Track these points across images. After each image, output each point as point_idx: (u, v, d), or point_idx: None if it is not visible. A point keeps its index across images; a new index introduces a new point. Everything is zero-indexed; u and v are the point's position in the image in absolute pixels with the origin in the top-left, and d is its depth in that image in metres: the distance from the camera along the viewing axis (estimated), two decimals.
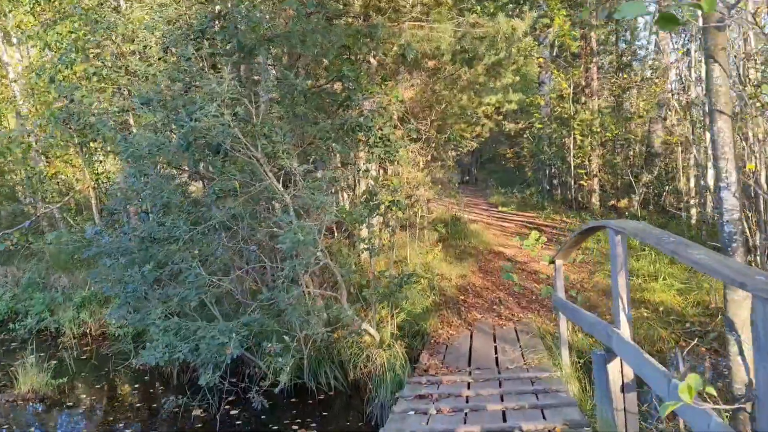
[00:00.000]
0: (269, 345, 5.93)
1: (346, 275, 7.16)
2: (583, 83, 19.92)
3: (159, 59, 6.72)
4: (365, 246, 7.76)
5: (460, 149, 16.80)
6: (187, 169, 6.84)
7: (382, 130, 7.05)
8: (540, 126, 20.87)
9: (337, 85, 8.54)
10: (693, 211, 16.93)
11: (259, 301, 6.19)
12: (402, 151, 7.81)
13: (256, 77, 7.52)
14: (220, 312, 6.72)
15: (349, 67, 6.86)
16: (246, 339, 6.39)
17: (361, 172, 7.57)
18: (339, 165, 9.60)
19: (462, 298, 10.26)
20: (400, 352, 6.96)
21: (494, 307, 9.74)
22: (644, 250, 12.88)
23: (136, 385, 8.37)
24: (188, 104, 6.05)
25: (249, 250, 6.64)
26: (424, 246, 13.09)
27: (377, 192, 7.45)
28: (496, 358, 7.07)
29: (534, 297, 10.28)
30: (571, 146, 19.30)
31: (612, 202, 19.49)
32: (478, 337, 8.10)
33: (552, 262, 6.94)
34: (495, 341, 7.88)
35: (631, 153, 20.18)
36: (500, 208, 21.56)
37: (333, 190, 6.56)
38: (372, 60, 9.02)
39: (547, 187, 24.60)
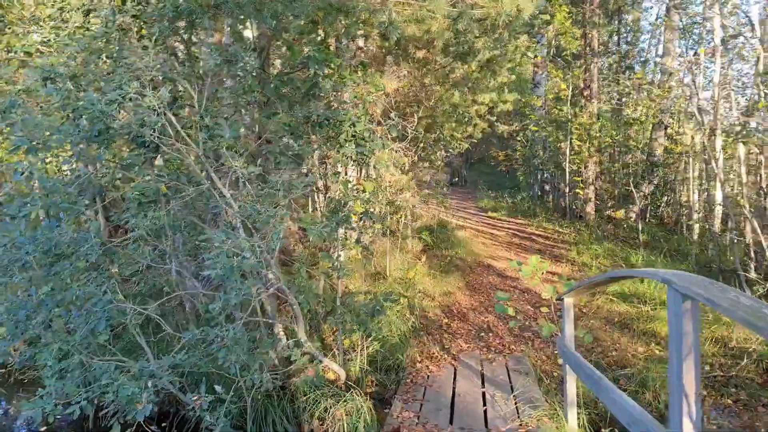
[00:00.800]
0: (195, 397, 4.55)
1: (304, 302, 5.78)
2: (582, 85, 18.60)
3: (79, 27, 5.33)
4: (329, 267, 6.40)
5: (450, 150, 15.46)
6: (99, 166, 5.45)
7: (354, 126, 5.68)
8: (535, 129, 19.55)
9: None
10: (696, 225, 15.70)
11: (187, 340, 4.79)
12: (382, 152, 6.44)
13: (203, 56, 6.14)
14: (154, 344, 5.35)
15: (316, 47, 5.48)
16: (179, 377, 5.03)
17: (329, 176, 6.16)
18: (312, 167, 8.20)
19: (446, 321, 8.91)
20: (365, 407, 5.58)
21: (482, 334, 8.39)
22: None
23: None
24: (107, 82, 4.65)
25: (183, 271, 5.25)
26: (407, 256, 11.74)
27: (347, 200, 6.07)
28: (485, 411, 5.70)
29: (527, 323, 8.97)
30: (568, 151, 18.00)
31: (608, 212, 18.22)
32: (462, 377, 6.74)
33: (560, 299, 5.59)
34: (483, 383, 6.52)
35: (630, 160, 18.91)
36: (490, 214, 20.25)
37: (289, 201, 5.17)
38: (350, 43, 7.69)
39: (539, 193, 23.32)
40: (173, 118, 4.96)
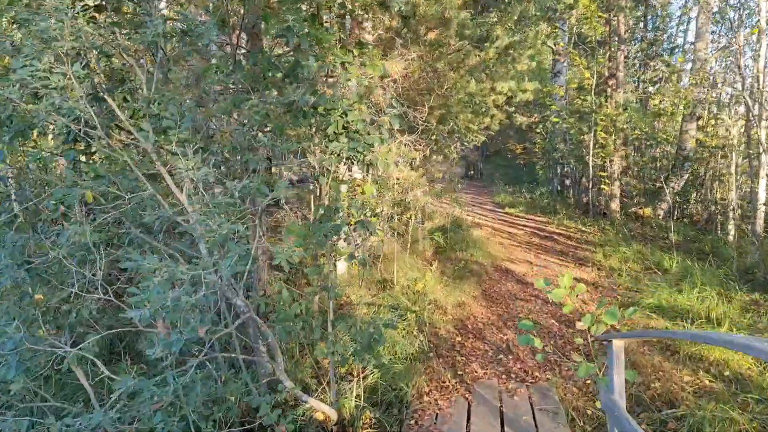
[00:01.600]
0: None
1: (283, 333, 4.66)
2: (607, 74, 17.27)
3: None
4: (317, 288, 5.27)
5: (466, 143, 14.24)
6: None
7: (346, 115, 4.53)
8: (556, 120, 18.25)
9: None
10: (732, 226, 14.40)
11: (122, 391, 3.68)
12: (384, 148, 5.28)
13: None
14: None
15: (297, 17, 4.31)
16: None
17: (318, 177, 5.01)
18: (304, 166, 7.06)
19: (459, 340, 7.75)
20: None
21: (500, 356, 7.22)
22: (686, 275, 10.35)
23: None
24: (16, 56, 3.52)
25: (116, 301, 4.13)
26: (417, 260, 10.58)
27: (340, 206, 4.92)
28: None
29: (552, 341, 7.79)
30: (591, 144, 16.70)
31: (634, 209, 16.93)
32: (478, 417, 5.59)
33: (606, 340, 4.42)
34: (503, 426, 5.37)
35: (659, 154, 17.58)
36: (507, 210, 19.02)
37: (260, 211, 4.05)
38: (350, 21, 6.53)
39: (558, 188, 22.04)
40: (113, 104, 3.83)
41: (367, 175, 9.63)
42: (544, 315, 8.76)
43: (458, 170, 30.77)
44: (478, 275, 10.74)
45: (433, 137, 10.68)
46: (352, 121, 4.60)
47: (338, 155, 4.59)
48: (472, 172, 28.67)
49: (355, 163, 4.96)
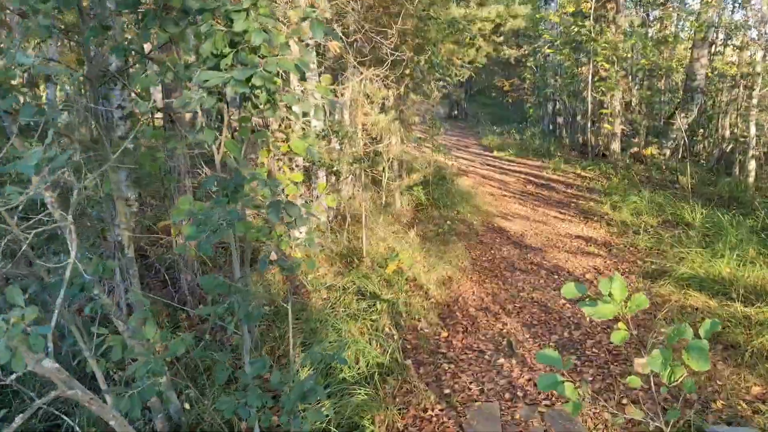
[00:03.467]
0: None
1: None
2: None
3: None
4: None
5: (448, 78, 12.03)
6: None
7: (232, 22, 2.48)
8: (550, 51, 16.03)
9: None
10: (751, 165, 12.49)
11: None
12: (322, 81, 3.22)
13: None
14: None
15: None
16: None
17: (202, 128, 2.93)
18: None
19: (445, 336, 5.83)
20: None
21: (500, 360, 5.32)
22: (715, 230, 8.46)
23: None
24: None
25: None
26: (393, 224, 8.59)
27: (246, 180, 2.91)
28: None
29: (562, 324, 5.91)
30: (590, 77, 14.57)
31: (636, 149, 14.93)
32: None
33: None
34: None
35: (664, 86, 15.48)
36: (496, 153, 16.98)
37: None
38: None
39: (550, 128, 19.97)
40: None
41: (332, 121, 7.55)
42: (553, 294, 6.86)
43: (441, 111, 28.55)
44: (467, 238, 8.79)
45: (408, 72, 8.53)
46: (249, 30, 2.52)
47: (217, 93, 2.54)
48: (456, 112, 26.45)
49: (245, 101, 2.91)
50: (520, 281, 7.23)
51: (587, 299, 3.04)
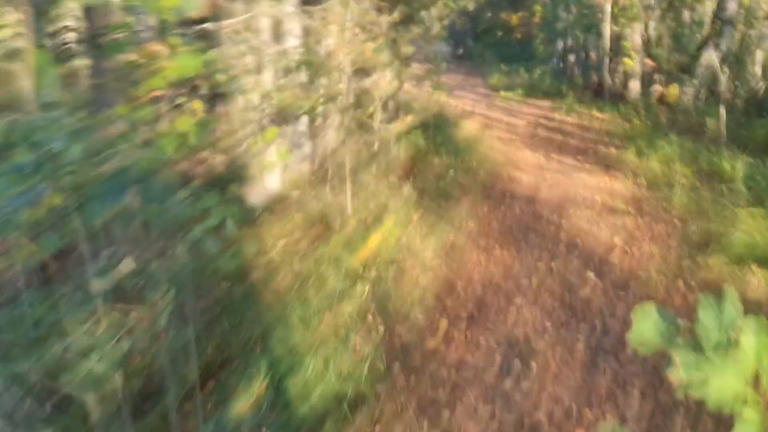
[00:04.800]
0: None
1: None
2: None
3: None
4: None
5: (451, 3, 10.27)
6: None
7: None
8: None
9: None
10: None
11: None
12: None
13: None
14: None
15: None
16: None
17: None
18: None
19: (444, 327, 4.44)
20: None
21: (517, 366, 3.96)
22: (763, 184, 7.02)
23: None
24: None
25: None
26: (385, 177, 7.12)
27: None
28: None
29: (591, 309, 4.54)
30: (608, 6, 12.78)
31: (656, 87, 13.23)
32: None
33: None
34: None
35: (690, 18, 13.65)
36: (503, 94, 15.30)
37: None
38: None
39: (561, 66, 18.17)
40: None
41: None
42: (576, 265, 5.45)
43: (445, 49, 26.59)
44: (472, 192, 7.33)
45: None
46: None
47: None
48: (462, 51, 24.48)
49: None
50: (536, 248, 5.81)
51: (678, 349, 1.59)
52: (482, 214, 6.71)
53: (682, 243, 5.82)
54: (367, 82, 6.44)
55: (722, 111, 9.59)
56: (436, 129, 9.22)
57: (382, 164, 7.63)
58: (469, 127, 10.52)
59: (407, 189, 6.71)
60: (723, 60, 12.95)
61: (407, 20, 8.23)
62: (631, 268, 5.32)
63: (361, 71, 6.71)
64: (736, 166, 7.81)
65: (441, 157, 8.29)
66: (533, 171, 8.45)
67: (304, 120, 6.79)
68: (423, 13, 8.40)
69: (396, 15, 7.23)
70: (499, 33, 29.84)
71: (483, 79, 18.35)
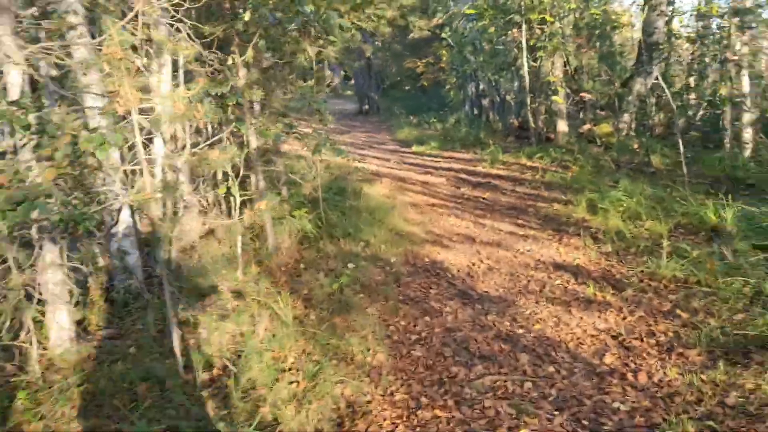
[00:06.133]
0: None
1: None
2: None
3: None
4: None
5: (333, 39, 8.11)
6: None
7: None
8: (470, 11, 12.47)
9: None
10: (748, 133, 9.31)
11: None
12: None
13: None
14: None
15: None
16: None
17: None
18: None
19: None
20: None
21: None
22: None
23: None
24: None
25: None
26: (255, 278, 4.73)
27: None
28: None
29: None
30: (524, 41, 11.10)
31: (587, 126, 11.54)
32: None
33: None
34: None
35: (616, 47, 12.17)
36: (415, 149, 13.32)
37: None
38: None
39: (475, 112, 16.53)
40: None
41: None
42: (559, 423, 3.19)
43: (350, 106, 24.82)
44: (382, 292, 5.02)
45: (249, 21, 4.70)
46: None
47: None
48: (367, 106, 22.67)
49: None
50: (486, 393, 3.52)
51: None
52: (397, 330, 4.39)
53: (708, 351, 3.69)
54: (202, 146, 4.13)
55: (680, 145, 7.79)
56: (332, 203, 6.95)
57: (253, 262, 5.27)
58: (376, 195, 8.33)
59: (282, 303, 4.35)
60: (652, 90, 11.48)
61: (280, 65, 6.02)
62: (653, 418, 3.10)
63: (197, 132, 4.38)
64: (730, 214, 5.90)
65: (338, 243, 5.98)
66: (463, 246, 6.26)
67: (125, 216, 4.38)
68: (299, 56, 6.20)
69: (249, 52, 4.99)
70: (407, 84, 28.55)
71: (392, 134, 16.42)
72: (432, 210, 7.83)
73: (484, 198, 8.36)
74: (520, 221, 7.10)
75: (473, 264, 5.70)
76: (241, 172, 5.09)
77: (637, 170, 9.28)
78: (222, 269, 4.94)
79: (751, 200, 6.95)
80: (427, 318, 4.56)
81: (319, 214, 6.31)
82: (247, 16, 4.56)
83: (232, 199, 5.16)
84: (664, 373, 3.55)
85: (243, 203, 5.68)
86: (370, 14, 9.04)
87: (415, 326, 4.44)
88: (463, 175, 10.01)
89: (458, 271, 5.57)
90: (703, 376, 3.44)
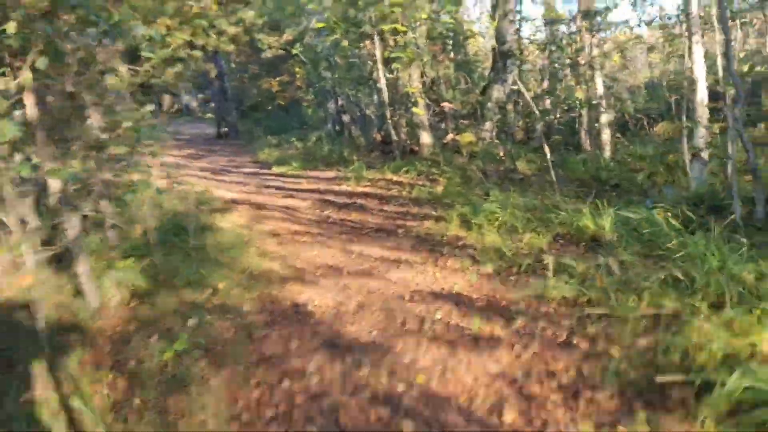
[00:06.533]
0: None
1: None
2: None
3: None
4: None
5: (150, 55, 6.97)
6: None
7: None
8: (320, 25, 11.72)
9: None
10: (606, 134, 9.26)
11: None
12: None
13: None
14: None
15: None
16: None
17: None
18: None
19: None
20: None
21: None
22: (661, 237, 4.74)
23: None
24: None
25: None
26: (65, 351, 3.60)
27: None
28: None
29: None
30: (379, 53, 10.53)
31: (450, 136, 11.17)
32: None
33: None
34: None
35: (471, 55, 11.92)
36: (276, 169, 12.35)
37: None
38: None
39: (336, 129, 15.85)
40: None
41: None
42: None
43: (208, 129, 23.32)
44: (232, 356, 4.03)
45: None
46: None
47: None
48: (225, 129, 21.29)
49: None
50: None
51: None
52: (249, 410, 3.43)
53: (619, 391, 3.09)
54: None
55: (546, 150, 7.45)
56: (172, 244, 5.85)
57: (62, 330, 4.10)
58: (231, 227, 7.30)
59: (97, 388, 3.26)
60: (509, 96, 11.34)
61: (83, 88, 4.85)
62: None
63: None
64: (604, 222, 5.50)
65: (177, 294, 4.91)
66: (330, 281, 5.41)
67: None
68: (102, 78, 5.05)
69: (27, 78, 3.86)
70: (268, 105, 27.40)
71: (253, 156, 15.33)
72: (294, 239, 6.92)
73: (350, 220, 7.58)
74: (390, 244, 6.38)
75: (341, 303, 4.85)
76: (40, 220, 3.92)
77: (505, 178, 8.94)
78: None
79: (620, 202, 6.71)
80: (286, 383, 3.64)
81: (154, 262, 5.20)
82: (11, 28, 3.45)
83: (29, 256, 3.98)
84: (577, 430, 2.88)
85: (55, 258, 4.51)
86: (204, 28, 7.96)
87: (271, 398, 3.51)
88: (328, 196, 9.19)
89: (324, 313, 4.70)
90: (623, 429, 2.81)
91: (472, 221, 6.37)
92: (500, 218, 6.24)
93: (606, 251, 5.06)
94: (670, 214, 6.00)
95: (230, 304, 4.83)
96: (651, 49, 12.79)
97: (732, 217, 5.63)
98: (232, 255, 6.04)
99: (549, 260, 4.80)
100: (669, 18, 10.91)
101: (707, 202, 6.14)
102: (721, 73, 6.86)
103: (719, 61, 7.46)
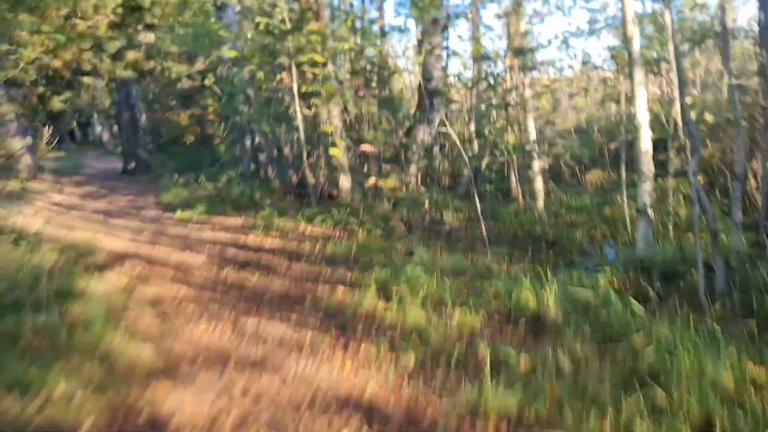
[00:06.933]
0: None
1: None
2: None
3: None
4: None
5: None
6: None
7: None
8: (233, 54, 10.59)
9: None
10: (540, 183, 8.51)
11: None
12: None
13: None
14: None
15: None
16: None
17: None
18: None
19: None
20: None
21: None
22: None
23: None
24: None
25: None
26: None
27: None
28: None
29: None
30: (296, 88, 9.49)
31: (372, 181, 10.19)
32: None
33: None
34: None
35: (385, 92, 11.02)
36: (179, 214, 10.99)
37: None
38: None
39: (252, 168, 14.63)
40: None
41: None
42: None
43: (117, 164, 21.56)
44: None
45: None
46: None
47: None
48: (134, 164, 19.63)
49: None
50: None
51: None
52: None
53: None
54: None
55: (477, 203, 6.55)
56: (4, 323, 4.51)
57: None
58: (106, 291, 5.97)
59: None
60: (435, 138, 10.52)
61: None
62: None
63: None
64: (546, 296, 4.57)
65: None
66: (210, 376, 4.19)
67: None
68: None
69: None
70: (187, 142, 25.82)
71: (158, 196, 13.87)
72: (179, 310, 5.66)
73: (251, 284, 6.39)
74: (294, 318, 5.24)
75: (218, 413, 3.66)
76: None
77: (431, 230, 8.00)
78: None
79: (559, 263, 5.88)
80: None
81: None
82: None
83: None
84: None
85: None
86: (92, 49, 6.74)
87: None
88: (231, 250, 7.97)
89: (193, 431, 3.49)
90: None
91: (393, 289, 5.32)
92: (425, 286, 5.23)
93: (551, 337, 4.12)
94: (616, 280, 5.22)
95: (64, 420, 3.54)
96: (584, 91, 12.33)
97: (687, 287, 4.87)
98: (92, 335, 4.73)
99: (485, 352, 3.81)
100: (603, 60, 10.48)
101: (659, 268, 5.34)
102: (665, 121, 6.19)
103: (659, 108, 6.83)
